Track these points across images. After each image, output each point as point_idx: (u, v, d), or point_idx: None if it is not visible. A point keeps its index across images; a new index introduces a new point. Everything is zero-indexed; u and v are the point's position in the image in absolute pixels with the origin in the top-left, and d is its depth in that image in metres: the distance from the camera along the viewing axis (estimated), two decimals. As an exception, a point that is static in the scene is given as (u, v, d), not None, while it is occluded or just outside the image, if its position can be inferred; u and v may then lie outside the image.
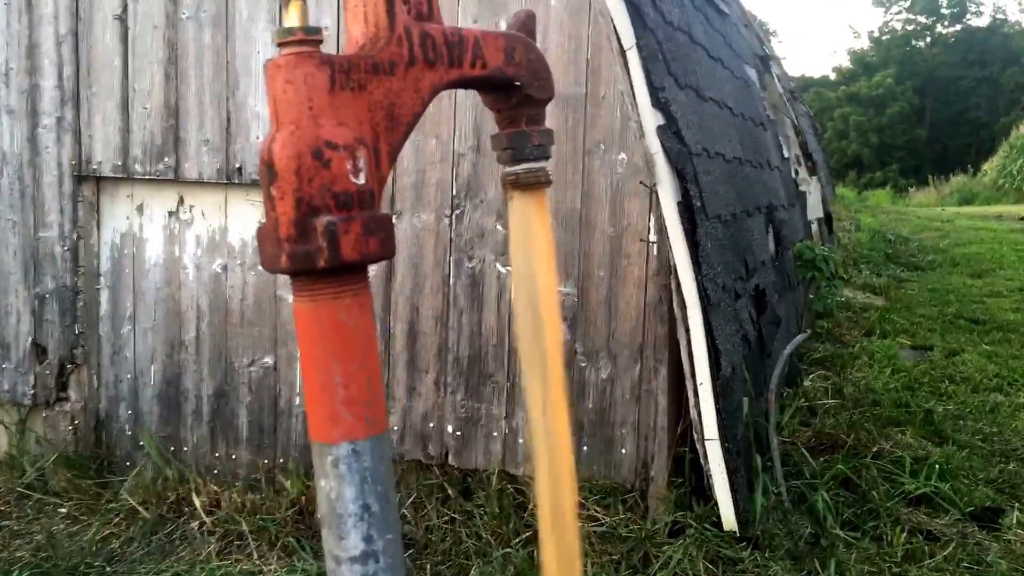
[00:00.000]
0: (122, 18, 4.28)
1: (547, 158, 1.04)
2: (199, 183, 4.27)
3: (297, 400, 4.24)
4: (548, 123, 1.07)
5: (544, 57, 1.01)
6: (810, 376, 5.78)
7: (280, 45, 0.80)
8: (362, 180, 0.80)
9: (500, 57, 0.96)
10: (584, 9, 3.60)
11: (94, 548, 3.80)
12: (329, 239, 0.78)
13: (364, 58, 0.84)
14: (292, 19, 0.81)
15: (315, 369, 0.83)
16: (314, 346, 0.83)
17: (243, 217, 4.27)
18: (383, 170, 0.86)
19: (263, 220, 0.82)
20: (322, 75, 0.80)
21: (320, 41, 0.81)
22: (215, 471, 4.33)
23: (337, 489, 0.83)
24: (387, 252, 0.82)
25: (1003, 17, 51.04)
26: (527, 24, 1.01)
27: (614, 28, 3.47)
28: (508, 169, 1.03)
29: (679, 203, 3.48)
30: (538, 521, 1.08)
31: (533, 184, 1.03)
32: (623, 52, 3.46)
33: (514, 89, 1.00)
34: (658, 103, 3.48)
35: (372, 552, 0.83)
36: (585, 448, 3.74)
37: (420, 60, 0.88)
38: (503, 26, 3.66)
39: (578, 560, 1.09)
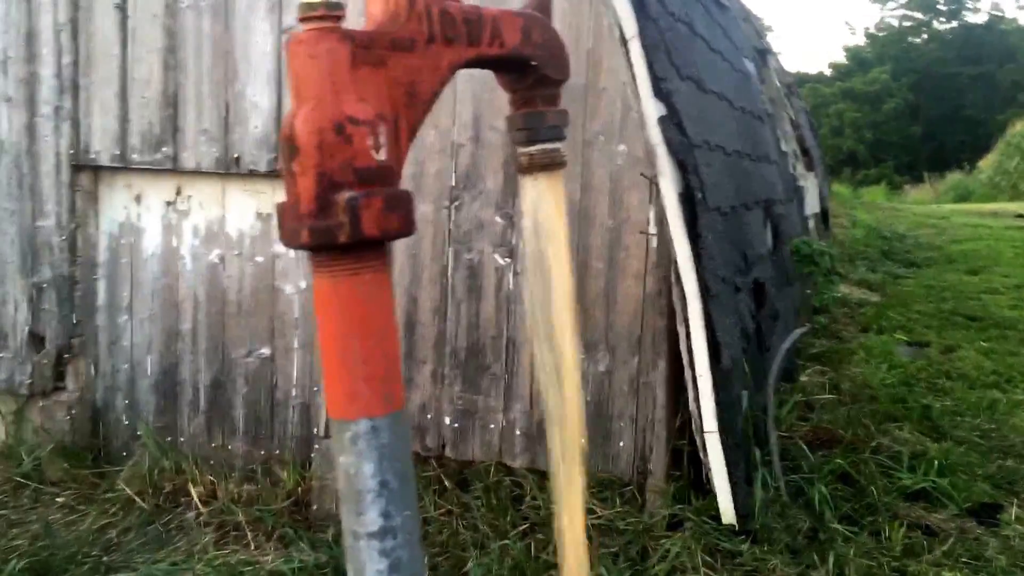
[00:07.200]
0: (121, 7, 4.26)
1: (562, 139, 1.03)
2: (197, 173, 4.26)
3: (294, 391, 4.23)
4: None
5: (560, 37, 1.01)
6: (807, 371, 5.79)
7: (302, 20, 0.79)
8: (383, 156, 0.80)
9: (518, 37, 0.96)
10: None
11: (91, 538, 3.79)
12: (350, 215, 0.77)
13: (384, 34, 0.83)
14: (313, -6, 0.80)
15: (334, 345, 0.82)
16: (333, 322, 0.82)
17: (241, 207, 4.26)
18: (403, 147, 0.85)
19: (280, 199, 0.82)
20: (344, 50, 0.79)
21: (341, 17, 0.80)
22: (211, 461, 4.32)
23: (356, 465, 0.83)
24: (408, 229, 0.81)
25: (1000, 14, 50.78)
26: (544, 3, 1.00)
27: (616, 17, 3.46)
28: (523, 150, 1.03)
29: (680, 194, 3.47)
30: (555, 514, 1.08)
31: (548, 165, 1.02)
32: (625, 42, 3.45)
33: (531, 69, 0.99)
34: (660, 94, 3.47)
35: (390, 528, 0.84)
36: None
37: (439, 38, 0.88)
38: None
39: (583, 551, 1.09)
